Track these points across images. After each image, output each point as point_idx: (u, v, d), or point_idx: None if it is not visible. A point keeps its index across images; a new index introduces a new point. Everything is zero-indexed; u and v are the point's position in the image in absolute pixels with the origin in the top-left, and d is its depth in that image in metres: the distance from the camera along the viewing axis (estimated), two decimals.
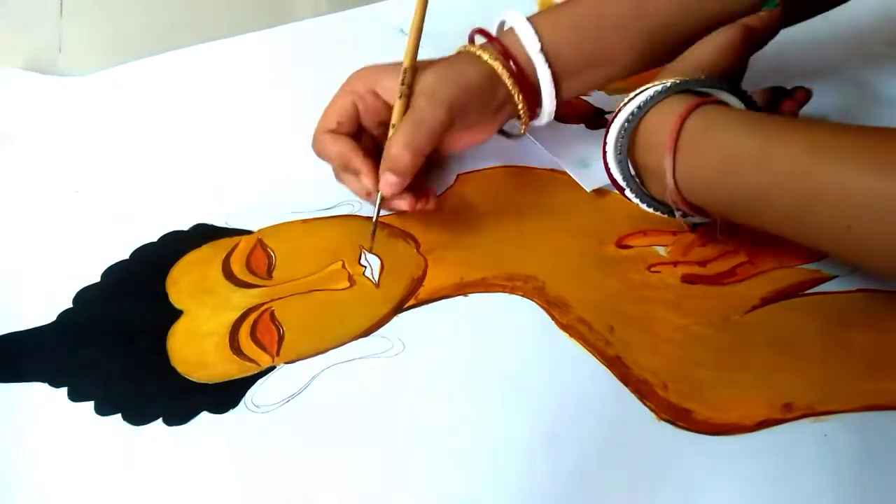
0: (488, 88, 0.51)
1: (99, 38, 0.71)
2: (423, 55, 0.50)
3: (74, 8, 0.73)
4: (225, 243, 0.53)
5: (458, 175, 0.57)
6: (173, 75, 0.66)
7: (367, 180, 0.50)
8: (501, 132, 0.56)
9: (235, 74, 0.66)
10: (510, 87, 0.52)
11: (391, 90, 0.51)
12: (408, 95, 0.50)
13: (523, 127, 0.54)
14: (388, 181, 0.49)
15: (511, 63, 0.52)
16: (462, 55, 0.53)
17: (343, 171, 0.52)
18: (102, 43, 0.70)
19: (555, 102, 0.53)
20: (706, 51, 0.48)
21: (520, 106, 0.53)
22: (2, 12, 0.73)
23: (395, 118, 0.50)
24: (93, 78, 0.66)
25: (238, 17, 0.73)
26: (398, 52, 0.49)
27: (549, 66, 0.52)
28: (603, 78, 0.54)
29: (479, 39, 0.53)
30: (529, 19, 0.52)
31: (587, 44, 0.52)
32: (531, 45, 0.51)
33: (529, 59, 0.52)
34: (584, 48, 0.52)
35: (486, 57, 0.51)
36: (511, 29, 0.53)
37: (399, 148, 0.48)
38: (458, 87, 0.50)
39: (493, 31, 0.53)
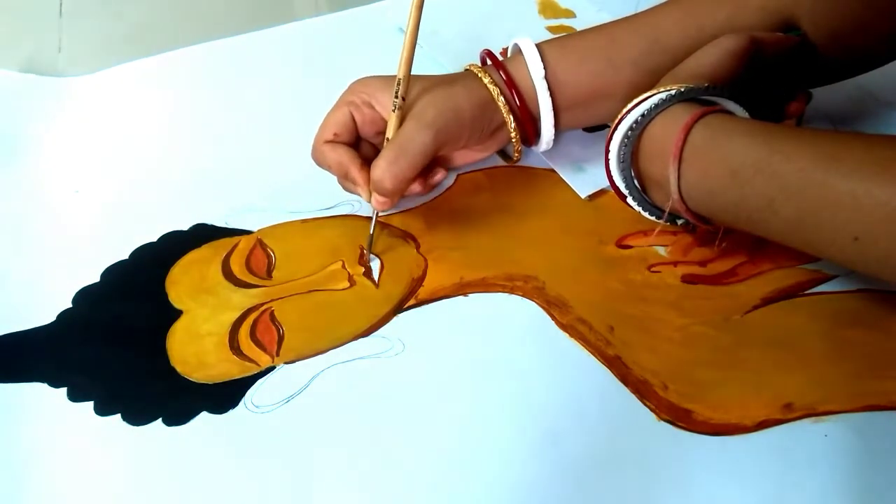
0: (482, 114, 0.51)
1: (99, 38, 0.71)
2: (423, 54, 0.50)
3: (74, 8, 0.73)
4: (224, 243, 0.53)
5: (458, 175, 0.57)
6: (173, 75, 0.66)
7: (362, 192, 0.50)
8: (501, 153, 0.57)
9: (235, 74, 0.66)
10: (504, 115, 0.51)
11: (387, 105, 0.50)
12: (402, 108, 0.49)
13: (516, 154, 0.55)
14: (378, 199, 0.49)
15: (512, 91, 0.51)
16: (464, 75, 0.52)
17: (343, 178, 0.53)
18: (102, 43, 0.70)
19: (553, 132, 0.53)
20: (708, 58, 0.47)
21: (513, 134, 0.53)
22: (2, 12, 0.73)
23: (389, 132, 0.50)
24: (93, 78, 0.66)
25: (237, 16, 0.73)
26: (398, 52, 0.49)
27: (552, 95, 0.52)
28: (607, 111, 0.52)
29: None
30: (538, 46, 0.52)
31: (595, 76, 0.52)
32: (536, 70, 0.51)
33: (532, 86, 0.51)
34: (591, 80, 0.52)
35: (486, 81, 0.51)
36: (518, 53, 0.52)
37: (380, 173, 0.48)
38: (450, 112, 0.49)
39: (501, 46, 0.52)
